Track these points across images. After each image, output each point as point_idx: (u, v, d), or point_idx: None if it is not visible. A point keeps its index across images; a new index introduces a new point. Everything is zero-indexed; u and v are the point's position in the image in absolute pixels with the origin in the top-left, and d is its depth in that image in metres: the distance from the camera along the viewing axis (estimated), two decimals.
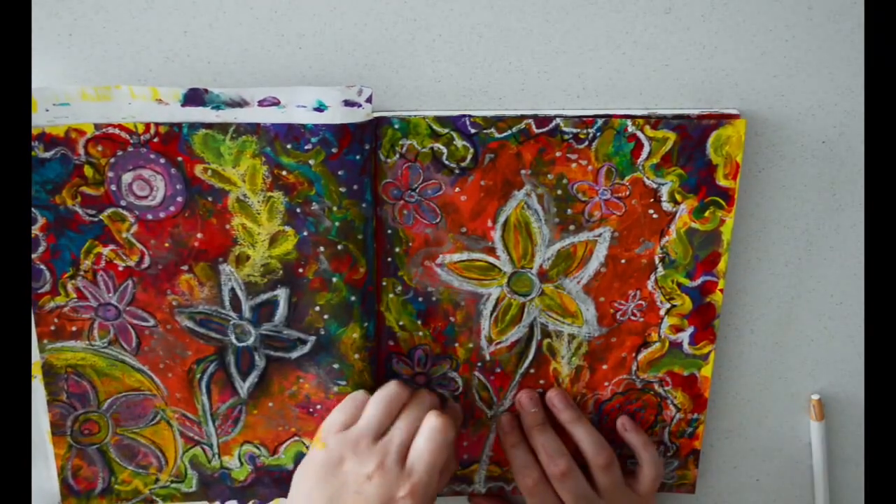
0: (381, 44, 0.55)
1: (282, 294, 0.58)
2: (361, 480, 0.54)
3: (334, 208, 0.55)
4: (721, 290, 0.59)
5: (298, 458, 0.63)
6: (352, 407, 0.59)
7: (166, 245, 0.57)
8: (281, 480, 0.64)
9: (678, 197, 0.57)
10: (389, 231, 0.58)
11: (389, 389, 0.59)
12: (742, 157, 0.56)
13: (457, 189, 0.56)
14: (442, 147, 0.55)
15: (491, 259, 0.58)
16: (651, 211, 0.57)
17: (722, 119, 0.55)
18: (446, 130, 0.55)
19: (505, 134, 0.55)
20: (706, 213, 0.57)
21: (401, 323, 0.60)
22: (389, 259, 0.58)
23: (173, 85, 0.53)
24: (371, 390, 0.61)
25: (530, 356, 0.61)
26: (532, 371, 0.62)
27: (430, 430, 0.56)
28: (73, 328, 0.59)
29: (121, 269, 0.57)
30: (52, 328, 0.58)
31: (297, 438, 0.63)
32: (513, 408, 0.63)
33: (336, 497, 0.54)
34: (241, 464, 0.63)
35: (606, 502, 0.60)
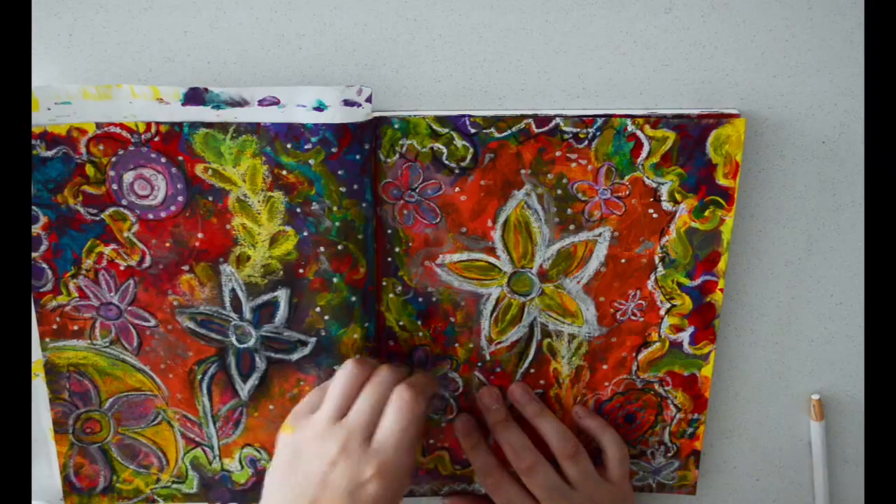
0: (381, 44, 0.55)
1: (282, 295, 0.58)
2: (325, 468, 0.51)
3: (334, 208, 0.56)
4: (721, 290, 0.59)
5: None
6: (319, 392, 0.56)
7: (167, 245, 0.57)
8: None
9: (678, 196, 0.57)
10: (389, 231, 0.58)
11: (347, 369, 0.56)
12: (742, 157, 0.56)
13: (457, 189, 0.57)
14: (442, 147, 0.56)
15: (491, 259, 0.59)
16: (651, 210, 0.57)
17: (722, 118, 0.55)
18: (446, 130, 0.55)
19: (505, 134, 0.55)
20: (706, 213, 0.57)
21: (401, 323, 0.60)
22: (389, 259, 0.58)
23: (173, 85, 0.53)
24: None
25: (530, 356, 0.61)
26: (532, 371, 0.62)
27: (397, 404, 0.53)
28: (75, 327, 0.59)
29: (122, 268, 0.58)
30: (54, 327, 0.59)
31: None
32: (475, 407, 0.62)
33: (303, 493, 0.51)
34: (242, 467, 0.63)
35: (579, 493, 0.59)
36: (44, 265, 0.57)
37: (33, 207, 0.56)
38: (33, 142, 0.54)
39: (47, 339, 0.59)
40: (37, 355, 0.59)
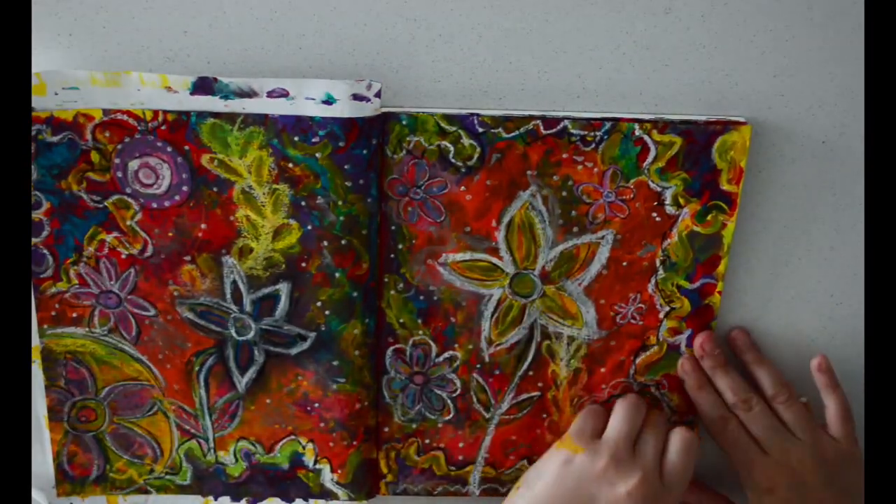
0: (380, 44, 0.55)
1: (283, 288, 0.58)
2: (621, 497, 0.56)
3: (339, 202, 0.56)
4: (720, 293, 0.59)
5: (294, 457, 0.63)
6: (596, 415, 0.61)
7: (170, 234, 0.57)
8: (275, 479, 0.64)
9: (681, 200, 0.57)
10: (393, 227, 0.58)
11: (632, 401, 0.60)
12: (746, 163, 0.56)
13: (462, 188, 0.57)
14: (449, 145, 0.56)
15: (494, 259, 0.59)
16: (654, 214, 0.58)
17: (728, 125, 0.56)
18: (454, 128, 0.55)
19: (512, 134, 0.55)
20: (708, 217, 0.58)
21: (401, 321, 0.60)
22: (392, 255, 0.58)
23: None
24: (369, 388, 0.61)
25: (529, 358, 0.61)
26: (531, 373, 0.62)
27: (683, 443, 0.58)
28: (74, 314, 0.58)
29: (124, 256, 0.57)
30: (53, 313, 0.58)
31: (293, 437, 0.62)
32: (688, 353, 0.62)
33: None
34: (237, 460, 0.63)
35: (802, 441, 0.60)
36: (45, 251, 0.57)
37: (36, 192, 0.55)
38: (39, 127, 0.54)
39: (45, 326, 0.59)
40: (34, 341, 0.59)
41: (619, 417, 0.59)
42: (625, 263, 0.59)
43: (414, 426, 0.63)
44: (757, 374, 0.61)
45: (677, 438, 0.58)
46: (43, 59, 0.54)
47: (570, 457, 0.58)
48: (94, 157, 0.55)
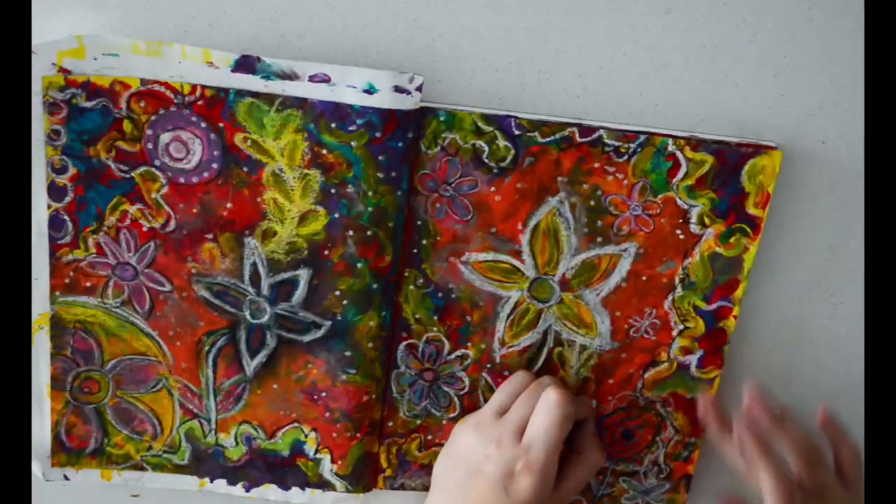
0: (380, 44, 0.55)
1: (303, 275, 0.58)
2: (481, 459, 0.57)
3: (370, 193, 0.55)
4: (735, 317, 0.60)
5: (295, 445, 0.62)
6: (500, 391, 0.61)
7: (194, 211, 0.56)
8: (274, 465, 0.63)
9: (707, 220, 0.58)
10: (419, 222, 0.58)
11: (515, 375, 0.61)
12: (774, 188, 0.57)
13: (492, 188, 0.57)
14: (484, 145, 0.56)
15: (516, 262, 0.59)
16: (678, 231, 0.58)
17: (760, 149, 0.56)
18: (491, 129, 0.55)
19: (548, 139, 0.56)
20: (731, 239, 0.58)
21: (417, 316, 0.60)
22: (415, 250, 0.58)
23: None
24: (379, 381, 0.60)
25: (539, 363, 0.62)
26: None
27: (546, 404, 0.57)
28: (88, 283, 0.58)
29: (145, 229, 0.57)
30: (67, 281, 0.57)
31: (296, 425, 0.62)
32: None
33: (466, 481, 0.57)
34: (237, 443, 0.63)
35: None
36: (65, 217, 0.56)
37: (63, 157, 0.54)
38: (74, 91, 0.53)
39: (57, 293, 0.58)
40: (44, 307, 0.58)
41: (497, 390, 0.61)
42: (644, 278, 0.59)
43: (418, 422, 0.63)
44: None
45: (542, 399, 0.57)
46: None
47: (453, 433, 0.61)
48: (127, 126, 0.54)
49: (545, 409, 0.57)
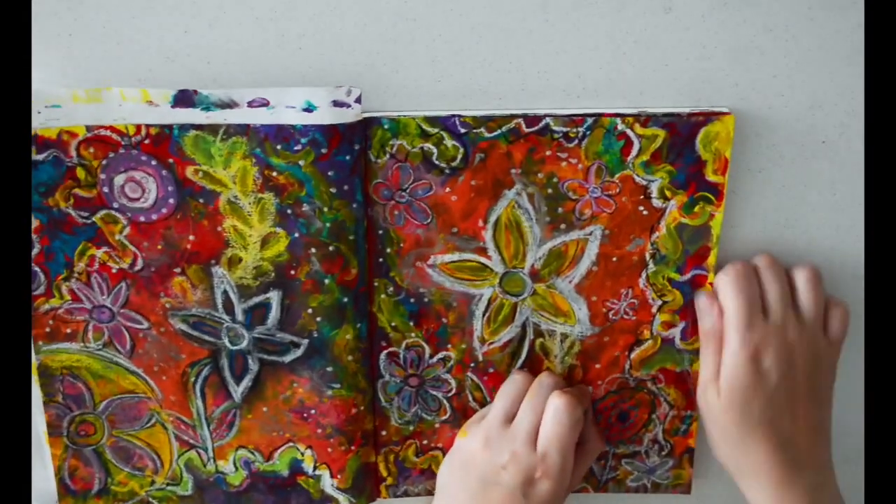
0: (381, 44, 0.55)
1: (274, 296, 0.58)
2: (497, 471, 0.57)
3: (325, 209, 0.56)
4: (711, 284, 0.59)
5: (293, 464, 0.63)
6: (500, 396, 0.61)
7: (159, 247, 0.57)
8: (276, 487, 0.64)
9: (668, 193, 0.57)
10: (381, 232, 0.58)
11: (513, 377, 0.61)
12: (731, 153, 0.56)
13: (447, 189, 0.57)
14: (432, 147, 0.56)
15: (482, 259, 0.59)
16: (641, 207, 0.57)
17: (711, 116, 0.55)
18: (436, 130, 0.55)
19: (495, 133, 0.55)
20: (696, 209, 0.57)
21: (393, 324, 0.60)
22: (381, 260, 0.58)
23: (174, 85, 0.53)
24: (365, 392, 0.61)
25: (523, 356, 0.61)
26: (525, 371, 0.62)
27: (555, 410, 0.57)
28: (68, 330, 0.59)
29: (114, 271, 0.58)
30: (47, 330, 0.59)
31: (291, 444, 0.63)
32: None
33: (477, 493, 0.58)
34: (237, 469, 0.63)
35: (805, 315, 0.58)
36: (36, 268, 0.57)
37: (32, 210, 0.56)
38: (31, 144, 0.54)
39: (40, 343, 0.59)
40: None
41: (497, 395, 0.60)
42: (614, 259, 0.59)
43: (411, 428, 0.63)
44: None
45: (550, 406, 0.58)
46: (43, 60, 0.54)
47: (458, 443, 0.61)
48: (80, 173, 0.55)
49: (555, 416, 0.57)
